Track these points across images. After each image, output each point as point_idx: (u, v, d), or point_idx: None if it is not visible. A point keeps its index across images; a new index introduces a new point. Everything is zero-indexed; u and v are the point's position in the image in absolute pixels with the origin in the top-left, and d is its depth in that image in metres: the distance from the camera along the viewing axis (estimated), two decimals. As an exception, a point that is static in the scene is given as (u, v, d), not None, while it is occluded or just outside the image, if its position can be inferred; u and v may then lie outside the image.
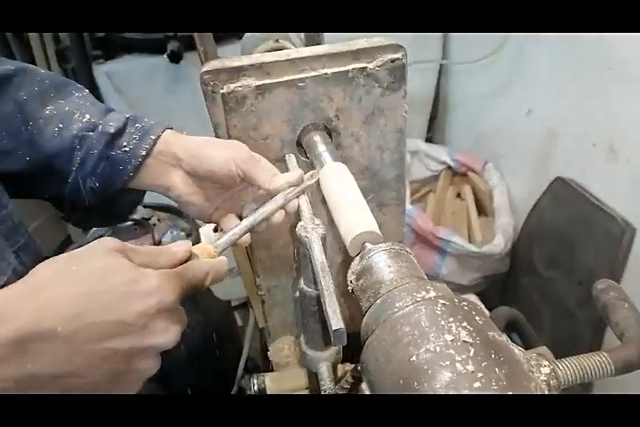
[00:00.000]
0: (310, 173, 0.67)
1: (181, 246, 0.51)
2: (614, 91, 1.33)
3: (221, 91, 0.71)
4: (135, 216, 1.44)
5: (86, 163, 0.62)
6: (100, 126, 0.62)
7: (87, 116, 0.63)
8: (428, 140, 2.23)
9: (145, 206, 1.49)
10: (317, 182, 0.69)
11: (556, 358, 0.93)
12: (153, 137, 0.62)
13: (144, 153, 0.62)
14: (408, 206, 1.72)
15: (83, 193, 0.63)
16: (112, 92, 1.89)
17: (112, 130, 0.61)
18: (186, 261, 0.50)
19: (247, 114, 0.73)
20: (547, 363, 0.43)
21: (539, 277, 1.71)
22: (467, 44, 1.91)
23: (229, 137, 0.76)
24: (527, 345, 1.48)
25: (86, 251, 0.44)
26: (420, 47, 1.87)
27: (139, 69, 1.89)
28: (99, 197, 0.64)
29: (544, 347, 0.95)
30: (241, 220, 0.64)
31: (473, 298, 1.70)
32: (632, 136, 1.30)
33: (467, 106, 2.08)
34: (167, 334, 0.45)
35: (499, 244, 1.70)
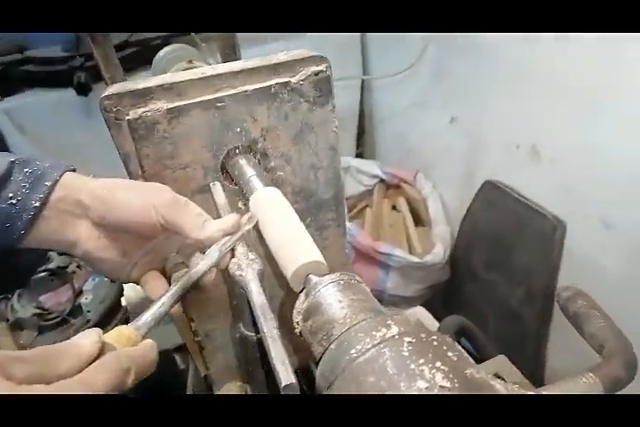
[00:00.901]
0: (246, 216, 0.56)
1: (89, 337, 0.39)
2: (531, 94, 1.37)
3: (127, 117, 0.62)
4: (50, 265, 1.30)
5: None
6: None
7: None
8: (359, 155, 2.22)
9: (60, 253, 1.35)
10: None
11: (509, 360, 0.91)
12: (48, 183, 0.50)
13: (37, 204, 0.49)
14: (347, 224, 1.68)
15: None
16: (13, 132, 1.72)
17: None
18: (97, 357, 0.39)
19: (161, 141, 0.65)
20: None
21: (480, 282, 1.72)
22: (385, 58, 1.93)
23: (142, 170, 0.68)
24: (477, 349, 1.48)
25: None
26: (340, 64, 1.86)
27: (43, 104, 1.72)
28: None
29: (502, 356, 0.92)
30: (165, 276, 0.54)
31: (420, 310, 1.68)
32: (552, 136, 1.34)
33: (392, 119, 2.10)
34: None
35: (438, 252, 1.70)
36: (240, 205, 0.71)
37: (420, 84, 1.81)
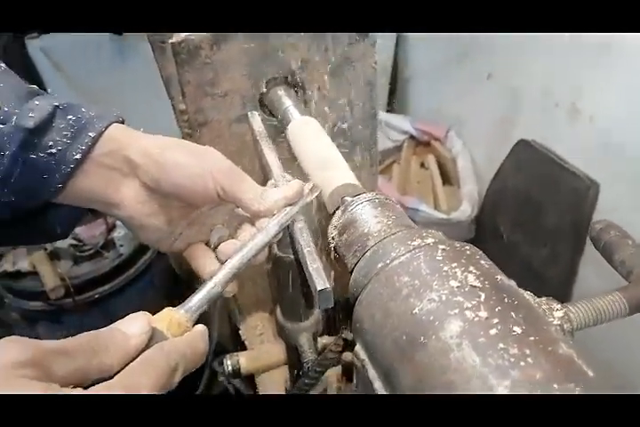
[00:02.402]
0: (308, 185, 0.50)
1: (137, 325, 0.35)
2: (575, 50, 1.32)
3: (171, 40, 0.63)
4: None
5: None
6: (15, 118, 0.43)
7: None
8: (390, 111, 2.18)
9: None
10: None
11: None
12: (92, 134, 0.44)
13: (78, 157, 0.44)
14: (378, 176, 1.69)
15: None
16: (50, 70, 1.74)
17: (31, 123, 0.43)
18: (148, 345, 0.35)
19: (202, 67, 0.66)
20: (559, 306, 0.39)
21: (504, 241, 1.71)
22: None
23: (183, 95, 0.69)
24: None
25: None
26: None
27: (79, 43, 1.71)
28: (18, 214, 0.47)
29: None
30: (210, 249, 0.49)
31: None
32: (594, 93, 1.29)
33: (426, 74, 2.05)
34: None
35: (465, 210, 1.69)
36: (277, 136, 0.72)
37: (457, 39, 1.75)
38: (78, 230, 1.28)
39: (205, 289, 0.42)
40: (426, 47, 2.00)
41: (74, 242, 1.26)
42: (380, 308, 0.38)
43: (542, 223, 1.55)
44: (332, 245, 0.50)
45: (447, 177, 1.91)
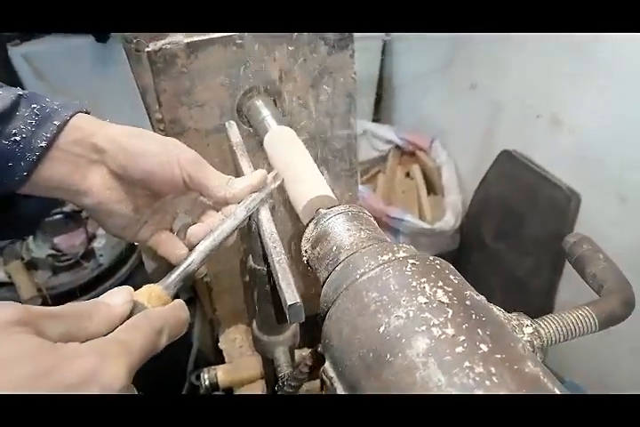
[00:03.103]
0: (272, 173, 0.53)
1: (119, 296, 0.37)
2: (555, 62, 1.33)
3: (147, 49, 0.63)
4: (65, 209, 1.32)
5: None
6: None
7: None
8: (375, 121, 2.19)
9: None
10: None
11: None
12: (57, 122, 0.45)
13: (44, 144, 0.44)
14: (358, 186, 1.68)
15: None
16: (31, 77, 1.72)
17: None
18: (129, 316, 0.37)
19: (179, 76, 0.66)
20: (529, 322, 0.39)
21: (488, 252, 1.72)
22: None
23: (159, 104, 0.68)
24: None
25: None
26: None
27: (61, 50, 1.71)
28: None
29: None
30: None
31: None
32: (574, 106, 1.31)
33: (411, 84, 2.06)
34: None
35: (449, 220, 1.70)
36: (254, 146, 0.71)
37: (441, 49, 1.77)
38: (57, 240, 1.25)
39: (182, 267, 0.44)
40: (411, 58, 2.02)
41: (52, 252, 1.23)
42: (347, 323, 0.37)
43: (525, 233, 1.56)
44: (305, 258, 0.50)
45: (432, 187, 1.92)
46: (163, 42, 0.63)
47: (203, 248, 0.46)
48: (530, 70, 1.43)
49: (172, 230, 0.52)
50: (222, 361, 1.01)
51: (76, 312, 0.34)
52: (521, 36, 1.42)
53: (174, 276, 0.43)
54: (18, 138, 0.44)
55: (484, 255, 1.75)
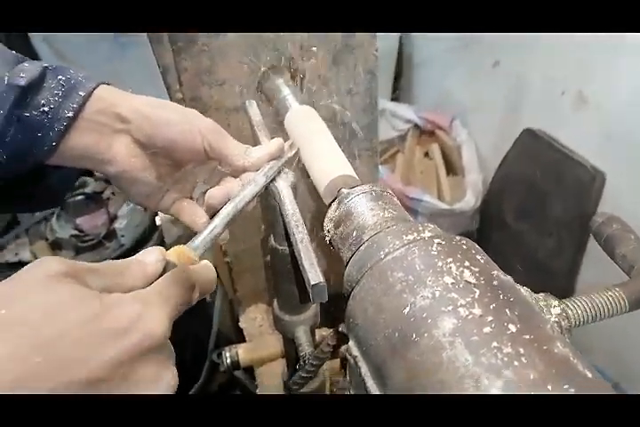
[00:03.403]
0: (288, 142, 0.54)
1: (152, 255, 0.39)
2: (583, 37, 1.29)
3: (167, 27, 0.62)
4: (86, 190, 1.33)
5: None
6: (7, 79, 0.44)
7: None
8: (394, 100, 2.16)
9: (96, 179, 1.38)
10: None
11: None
12: (82, 93, 0.46)
13: (70, 115, 0.45)
14: (379, 165, 1.67)
15: None
16: (52, 60, 1.74)
17: (23, 82, 0.44)
18: (161, 274, 0.38)
19: (199, 55, 0.65)
20: (556, 303, 0.38)
21: (509, 232, 1.70)
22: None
23: (180, 83, 0.68)
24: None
25: (17, 283, 0.31)
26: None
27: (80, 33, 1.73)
28: (12, 175, 0.48)
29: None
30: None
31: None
32: (601, 81, 1.27)
33: (431, 62, 2.02)
34: (160, 384, 0.33)
35: (469, 200, 1.68)
36: (274, 125, 0.71)
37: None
38: (80, 221, 1.27)
39: (208, 230, 0.46)
40: (431, 35, 1.97)
41: (75, 232, 1.25)
42: (372, 303, 0.37)
43: (547, 213, 1.53)
44: (328, 238, 0.49)
45: (452, 167, 1.89)
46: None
47: (225, 213, 0.47)
48: (555, 46, 1.39)
49: (191, 198, 0.54)
50: (243, 340, 1.03)
51: (114, 268, 0.36)
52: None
53: (201, 238, 0.45)
54: (46, 109, 0.45)
55: (505, 236, 1.73)
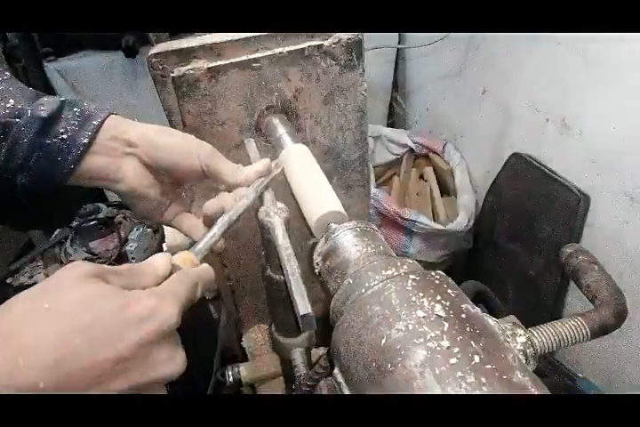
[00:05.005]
0: (274, 161, 0.62)
1: (162, 260, 0.45)
2: (564, 65, 1.35)
3: (172, 74, 0.67)
4: (100, 215, 1.39)
5: (14, 155, 0.52)
6: (30, 111, 0.52)
7: (11, 101, 0.53)
8: (390, 125, 2.23)
9: (108, 205, 1.44)
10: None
11: (525, 326, 0.96)
12: (95, 122, 0.54)
13: (86, 141, 0.53)
14: (374, 190, 1.72)
15: (13, 192, 0.54)
16: (67, 91, 1.82)
17: (44, 114, 0.52)
18: (170, 274, 0.45)
19: (201, 98, 0.70)
20: (522, 332, 0.42)
21: (501, 251, 1.74)
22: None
23: (184, 124, 0.73)
24: (494, 315, 1.53)
25: (56, 282, 0.38)
26: (376, 33, 1.85)
27: (93, 66, 1.81)
28: (34, 196, 0.55)
29: (512, 316, 0.97)
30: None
31: (441, 274, 1.73)
32: (583, 108, 1.32)
33: (425, 89, 2.09)
34: (173, 363, 0.40)
35: (462, 221, 1.72)
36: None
37: (454, 55, 1.79)
38: (93, 244, 1.33)
39: (207, 238, 0.52)
40: (424, 63, 2.04)
41: (88, 255, 1.30)
42: (353, 335, 0.41)
43: (537, 234, 1.58)
44: (317, 270, 0.54)
45: (445, 188, 1.94)
46: (186, 67, 0.67)
47: (221, 224, 0.54)
48: (539, 76, 1.45)
49: (190, 212, 0.62)
50: (246, 358, 1.06)
51: (131, 270, 0.43)
52: (531, 42, 1.44)
53: (201, 245, 0.51)
54: (65, 136, 0.53)
55: (497, 255, 1.78)
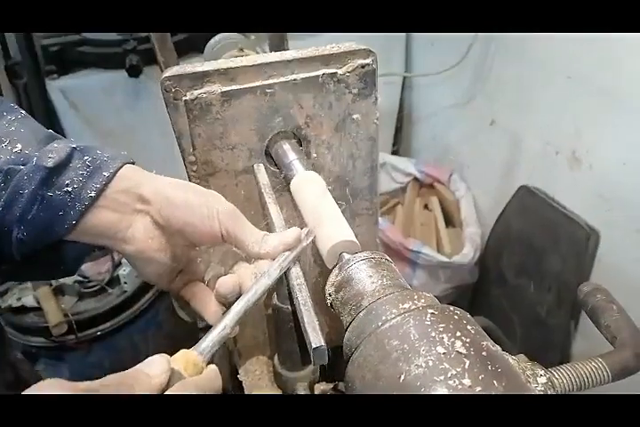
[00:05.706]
0: (304, 230, 0.53)
1: (157, 366, 0.38)
2: (575, 99, 1.36)
3: (184, 98, 0.67)
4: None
5: (13, 206, 0.46)
6: (35, 159, 0.46)
7: (19, 145, 0.48)
8: (394, 153, 2.24)
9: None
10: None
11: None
12: (107, 173, 0.48)
13: (93, 194, 0.47)
14: (379, 224, 1.71)
15: (8, 244, 0.48)
16: (67, 110, 1.82)
17: (50, 163, 0.46)
18: (168, 383, 0.38)
19: (213, 122, 0.70)
20: (542, 372, 0.40)
21: (508, 286, 1.72)
22: (429, 56, 1.94)
23: (193, 147, 0.73)
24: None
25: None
26: (384, 60, 1.88)
27: (96, 85, 1.81)
28: (30, 250, 0.49)
29: (521, 355, 0.94)
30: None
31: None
32: (594, 143, 1.33)
33: (431, 118, 2.11)
34: None
35: (467, 253, 1.71)
36: (279, 186, 0.75)
37: (462, 84, 1.81)
38: (84, 267, 1.30)
39: (216, 331, 0.44)
40: (431, 92, 2.07)
41: (79, 278, 1.28)
42: (370, 370, 0.39)
43: (546, 269, 1.56)
44: (329, 301, 0.52)
45: (451, 219, 1.93)
46: (199, 91, 0.67)
47: (236, 311, 0.46)
48: (550, 108, 1.46)
49: (202, 280, 0.54)
50: (241, 392, 1.02)
51: (117, 384, 0.36)
52: (542, 74, 1.46)
53: (208, 341, 0.44)
54: (69, 189, 0.47)
55: (504, 289, 1.75)
